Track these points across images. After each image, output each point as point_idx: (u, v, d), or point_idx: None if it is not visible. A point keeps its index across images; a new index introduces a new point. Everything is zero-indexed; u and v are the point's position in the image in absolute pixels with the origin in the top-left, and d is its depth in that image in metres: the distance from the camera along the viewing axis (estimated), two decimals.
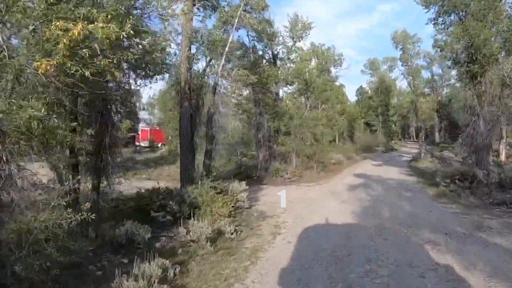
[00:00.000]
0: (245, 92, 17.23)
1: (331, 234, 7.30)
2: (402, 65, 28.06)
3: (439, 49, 12.49)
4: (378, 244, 6.62)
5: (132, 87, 8.64)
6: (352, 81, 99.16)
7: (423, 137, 32.87)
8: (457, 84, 46.69)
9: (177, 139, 39.58)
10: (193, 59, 11.13)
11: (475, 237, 6.99)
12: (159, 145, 41.46)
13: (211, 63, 11.39)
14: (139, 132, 48.52)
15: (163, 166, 25.77)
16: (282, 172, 15.52)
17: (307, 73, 23.18)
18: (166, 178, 18.56)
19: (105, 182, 7.47)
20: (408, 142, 65.59)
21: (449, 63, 12.94)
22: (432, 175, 16.66)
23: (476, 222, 8.01)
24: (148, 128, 47.24)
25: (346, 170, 19.15)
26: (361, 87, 52.33)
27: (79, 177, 7.24)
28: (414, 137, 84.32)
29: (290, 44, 18.62)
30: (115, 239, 6.76)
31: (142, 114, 56.85)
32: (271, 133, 17.42)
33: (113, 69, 4.75)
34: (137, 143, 46.14)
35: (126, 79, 7.89)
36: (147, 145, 43.23)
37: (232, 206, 8.16)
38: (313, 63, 28.82)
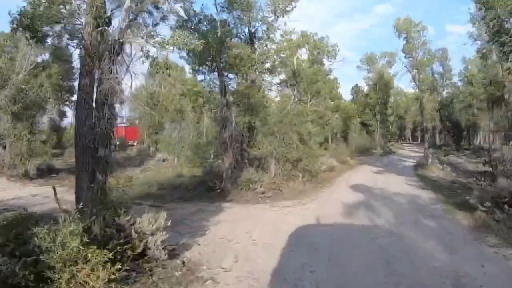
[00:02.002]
0: (208, 77, 13.32)
1: None
2: (405, 56, 24.41)
3: (483, 7, 8.65)
4: None
5: None
6: (348, 82, 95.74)
7: (429, 139, 28.95)
8: (459, 83, 43.71)
9: (149, 138, 35.14)
10: (105, 12, 7.07)
11: None
12: (134, 143, 37.35)
13: (138, 19, 7.33)
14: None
15: (125, 169, 21.84)
16: (255, 185, 11.58)
17: (294, 61, 19.38)
18: None
19: None
20: (404, 144, 62.21)
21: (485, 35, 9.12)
22: (450, 188, 12.94)
23: None
24: (124, 125, 43.43)
25: (340, 179, 15.28)
26: (356, 85, 48.77)
27: None
28: (410, 139, 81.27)
29: (271, 19, 14.65)
30: None
31: (121, 109, 52.53)
32: (243, 132, 13.50)
33: None
34: (111, 142, 42.20)
35: None
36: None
37: (120, 267, 4.17)
38: (304, 54, 25.15)
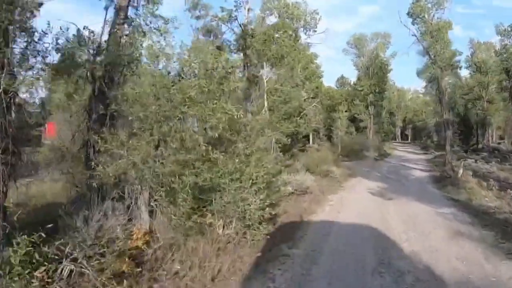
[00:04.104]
0: None
1: None
2: (413, 22, 17.07)
3: None
4: None
5: None
6: (333, 79, 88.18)
7: (451, 137, 21.04)
8: (463, 72, 36.98)
9: (64, 133, 26.73)
10: None
11: None
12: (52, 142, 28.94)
13: None
14: (46, 126, 36.58)
15: (36, 176, 13.49)
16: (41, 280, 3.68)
17: (246, 11, 11.90)
18: None
19: None
20: (395, 144, 55.04)
21: None
22: None
23: None
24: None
25: (314, 223, 7.48)
26: (342, 76, 41.73)
27: None
28: (400, 137, 74.57)
29: None
30: None
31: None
32: (90, 123, 5.66)
33: None
34: (44, 140, 33.87)
35: None
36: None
37: None
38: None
